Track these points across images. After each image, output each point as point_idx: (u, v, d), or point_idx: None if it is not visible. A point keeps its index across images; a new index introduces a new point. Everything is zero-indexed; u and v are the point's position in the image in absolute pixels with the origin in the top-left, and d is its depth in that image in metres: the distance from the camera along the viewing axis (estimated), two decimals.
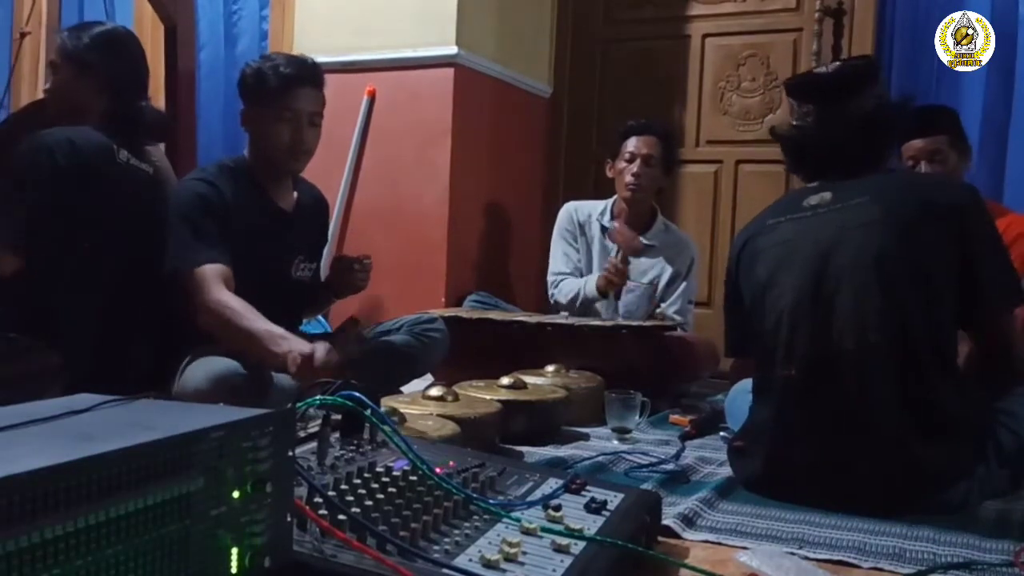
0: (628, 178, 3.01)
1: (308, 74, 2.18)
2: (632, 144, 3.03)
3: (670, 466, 1.78)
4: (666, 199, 3.73)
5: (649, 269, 3.07)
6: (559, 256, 3.16)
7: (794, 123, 1.71)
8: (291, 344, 1.89)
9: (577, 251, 3.16)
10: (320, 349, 1.86)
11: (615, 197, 3.13)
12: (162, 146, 2.51)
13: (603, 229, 3.12)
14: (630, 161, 3.02)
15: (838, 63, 1.75)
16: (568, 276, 3.12)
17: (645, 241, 3.06)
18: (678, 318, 2.99)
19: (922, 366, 1.50)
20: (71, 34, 2.20)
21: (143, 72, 2.22)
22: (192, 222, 2.06)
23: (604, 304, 3.01)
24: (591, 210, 3.18)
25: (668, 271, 3.06)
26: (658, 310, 3.03)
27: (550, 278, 3.16)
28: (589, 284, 2.98)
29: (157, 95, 3.42)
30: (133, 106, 2.12)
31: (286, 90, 2.13)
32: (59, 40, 2.20)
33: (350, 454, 1.13)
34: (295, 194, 2.33)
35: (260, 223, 2.20)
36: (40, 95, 3.60)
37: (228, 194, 2.13)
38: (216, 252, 2.04)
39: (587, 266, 3.16)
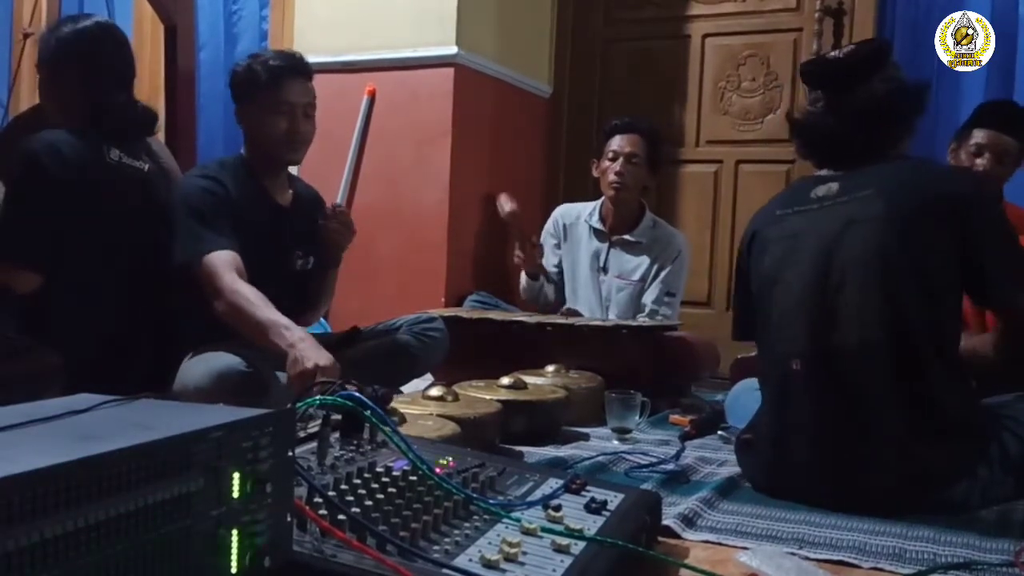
0: (612, 176, 3.02)
1: (297, 66, 2.22)
2: (616, 143, 3.04)
3: (670, 466, 1.78)
4: (665, 198, 3.74)
5: (638, 266, 3.08)
6: None
7: (808, 108, 1.71)
8: (295, 338, 1.87)
9: (558, 256, 3.21)
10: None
11: (603, 198, 3.14)
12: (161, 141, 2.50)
13: (591, 230, 3.15)
14: (613, 160, 3.03)
15: (852, 47, 1.72)
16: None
17: (632, 239, 3.08)
18: (652, 306, 3.00)
19: (923, 364, 1.50)
20: (43, 36, 2.17)
21: (121, 66, 2.16)
22: (199, 213, 2.07)
23: (543, 286, 3.16)
24: (580, 211, 3.21)
25: (656, 267, 3.07)
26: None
27: None
28: (523, 276, 3.16)
29: (157, 95, 3.43)
30: (116, 103, 2.09)
31: (277, 83, 2.17)
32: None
33: (350, 454, 1.12)
34: (291, 191, 2.33)
35: (259, 218, 2.21)
36: None
37: (231, 188, 2.15)
38: (226, 240, 2.05)
39: (573, 267, 3.20)
